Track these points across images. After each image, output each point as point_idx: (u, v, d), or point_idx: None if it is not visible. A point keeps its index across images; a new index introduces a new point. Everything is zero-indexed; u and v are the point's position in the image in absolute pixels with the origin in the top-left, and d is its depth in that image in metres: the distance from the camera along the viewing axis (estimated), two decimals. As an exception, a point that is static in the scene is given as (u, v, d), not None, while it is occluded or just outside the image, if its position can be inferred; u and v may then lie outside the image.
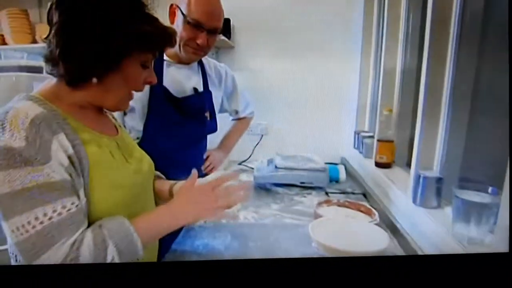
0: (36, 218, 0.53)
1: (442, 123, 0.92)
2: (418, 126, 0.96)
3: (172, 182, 0.88)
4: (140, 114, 1.11)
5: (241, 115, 1.43)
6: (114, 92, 0.67)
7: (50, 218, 0.54)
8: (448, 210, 0.85)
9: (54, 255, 0.54)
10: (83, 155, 0.60)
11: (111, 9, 0.60)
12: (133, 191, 0.69)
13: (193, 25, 1.04)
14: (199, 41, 1.05)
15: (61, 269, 0.55)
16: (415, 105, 1.27)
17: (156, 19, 0.67)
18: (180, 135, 1.15)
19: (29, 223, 0.53)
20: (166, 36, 0.68)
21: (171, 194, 0.85)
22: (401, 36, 1.31)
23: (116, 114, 1.11)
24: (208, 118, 1.23)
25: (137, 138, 1.11)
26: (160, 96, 1.10)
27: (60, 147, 0.57)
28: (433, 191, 0.89)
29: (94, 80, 0.63)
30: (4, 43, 1.96)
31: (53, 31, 0.60)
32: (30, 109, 0.56)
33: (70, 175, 0.58)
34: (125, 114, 1.14)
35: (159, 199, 0.86)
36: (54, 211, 0.55)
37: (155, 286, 0.59)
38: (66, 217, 0.56)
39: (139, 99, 1.09)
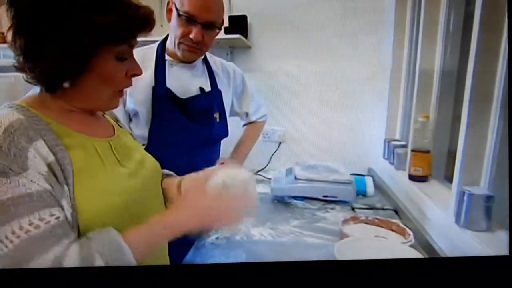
0: (13, 232, 0.52)
1: (491, 131, 0.85)
2: (462, 134, 0.90)
3: (179, 177, 0.85)
4: (144, 119, 1.10)
5: (252, 118, 1.40)
6: (95, 94, 0.66)
7: (26, 232, 0.53)
8: (501, 235, 0.79)
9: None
10: (66, 162, 0.59)
11: (63, 4, 0.58)
12: (127, 197, 0.67)
13: (186, 18, 1.02)
14: (192, 35, 1.03)
15: (51, 273, 0.54)
16: (455, 111, 1.21)
17: (123, 3, 0.62)
18: (187, 139, 1.14)
19: (6, 237, 0.52)
20: (136, 21, 0.63)
21: (179, 190, 0.81)
22: (440, 33, 1.25)
23: (122, 120, 1.10)
24: (218, 120, 1.21)
25: (143, 145, 1.09)
26: (163, 98, 1.09)
27: (38, 155, 0.56)
28: (481, 211, 0.83)
29: (66, 84, 0.62)
30: (4, 42, 1.99)
31: (10, 36, 0.60)
32: (6, 117, 0.56)
33: (50, 184, 0.56)
34: (130, 120, 1.13)
35: (167, 199, 0.83)
36: (31, 223, 0.53)
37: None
38: (45, 230, 0.54)
39: (143, 103, 1.09)
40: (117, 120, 0.83)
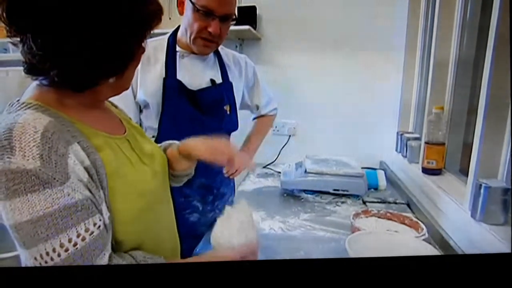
0: (61, 245, 0.52)
1: (510, 122, 0.83)
2: (479, 126, 0.88)
3: (179, 142, 0.84)
4: (155, 110, 1.10)
5: (263, 111, 1.39)
6: (130, 76, 0.65)
7: (75, 244, 0.52)
8: (519, 228, 0.77)
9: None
10: (99, 164, 0.57)
11: None
12: (152, 197, 0.67)
13: (203, 13, 1.01)
14: (210, 29, 1.03)
15: (60, 271, 0.54)
16: (471, 102, 1.18)
17: None
18: (197, 131, 1.13)
19: (54, 250, 0.51)
20: (154, 9, 0.62)
21: (180, 153, 0.80)
22: (456, 21, 1.22)
23: (133, 113, 1.10)
24: (228, 112, 1.20)
25: (153, 137, 1.10)
26: (173, 90, 1.09)
27: (76, 161, 0.54)
28: (498, 204, 0.81)
29: (112, 80, 0.59)
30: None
31: (30, 37, 0.53)
32: (36, 120, 0.52)
33: (90, 190, 0.55)
34: (140, 111, 1.13)
35: (171, 169, 0.81)
36: (78, 235, 0.53)
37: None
38: (89, 242, 0.54)
39: (153, 94, 1.09)
40: (115, 106, 0.80)
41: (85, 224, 0.53)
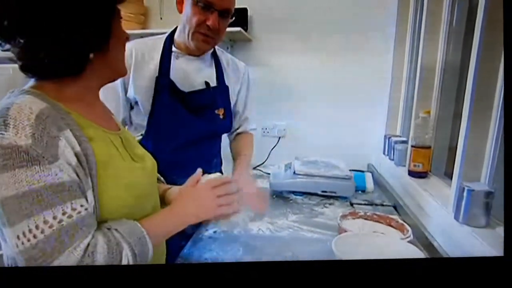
0: (45, 222, 0.52)
1: (493, 127, 0.85)
2: (463, 129, 0.90)
3: (166, 186, 0.87)
4: (145, 108, 1.10)
5: (248, 127, 1.34)
6: (121, 57, 0.67)
7: (60, 221, 0.53)
8: (501, 231, 0.79)
9: (66, 262, 0.53)
10: (90, 153, 0.59)
11: None
12: (141, 192, 0.69)
13: (203, 6, 1.02)
14: (209, 23, 1.03)
15: (55, 271, 0.54)
16: (457, 107, 1.21)
17: None
18: (186, 133, 1.13)
19: (37, 227, 0.52)
20: None
21: (162, 200, 0.83)
22: (443, 28, 1.25)
23: (122, 107, 1.10)
24: (221, 116, 1.19)
25: (141, 135, 1.10)
26: (165, 89, 1.09)
27: (67, 144, 0.56)
28: (481, 207, 0.83)
29: (92, 55, 0.60)
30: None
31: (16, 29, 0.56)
32: (33, 103, 0.55)
33: (78, 175, 0.57)
34: (131, 108, 1.13)
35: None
36: (64, 213, 0.54)
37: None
38: (77, 220, 0.55)
39: (145, 92, 1.09)
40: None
41: (71, 203, 0.55)
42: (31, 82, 0.62)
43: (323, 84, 1.84)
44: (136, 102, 1.10)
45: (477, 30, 0.86)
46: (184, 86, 1.11)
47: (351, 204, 1.31)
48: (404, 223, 1.03)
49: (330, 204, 1.31)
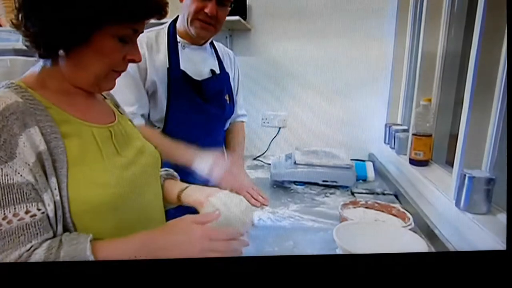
0: None
1: (494, 114, 0.85)
2: (464, 117, 0.90)
3: (183, 185, 0.85)
4: (161, 99, 1.13)
5: (239, 111, 1.41)
6: (89, 68, 0.63)
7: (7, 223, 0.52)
8: (501, 218, 0.79)
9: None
10: (60, 151, 0.58)
11: None
12: (123, 189, 0.65)
13: None
14: (207, 10, 1.05)
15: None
16: (458, 94, 1.21)
17: None
18: (203, 120, 1.18)
19: None
20: (149, 5, 0.62)
21: (179, 200, 0.82)
22: (444, 15, 1.23)
23: (140, 101, 1.11)
24: (228, 102, 1.25)
25: (158, 128, 1.14)
26: (179, 80, 1.12)
27: (28, 143, 0.54)
28: (481, 194, 0.83)
29: (61, 52, 0.60)
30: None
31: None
32: (2, 99, 0.55)
33: (34, 176, 0.55)
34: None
35: (166, 201, 0.83)
36: (4, 218, 0.52)
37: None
38: (17, 227, 0.53)
39: (160, 83, 1.11)
40: (117, 106, 0.82)
41: (15, 208, 0.53)
42: (27, 72, 0.63)
43: (323, 73, 1.82)
44: (152, 94, 1.13)
45: (478, 16, 0.85)
46: (195, 75, 1.15)
47: (352, 193, 1.31)
48: (406, 211, 1.04)
49: (331, 193, 1.31)
